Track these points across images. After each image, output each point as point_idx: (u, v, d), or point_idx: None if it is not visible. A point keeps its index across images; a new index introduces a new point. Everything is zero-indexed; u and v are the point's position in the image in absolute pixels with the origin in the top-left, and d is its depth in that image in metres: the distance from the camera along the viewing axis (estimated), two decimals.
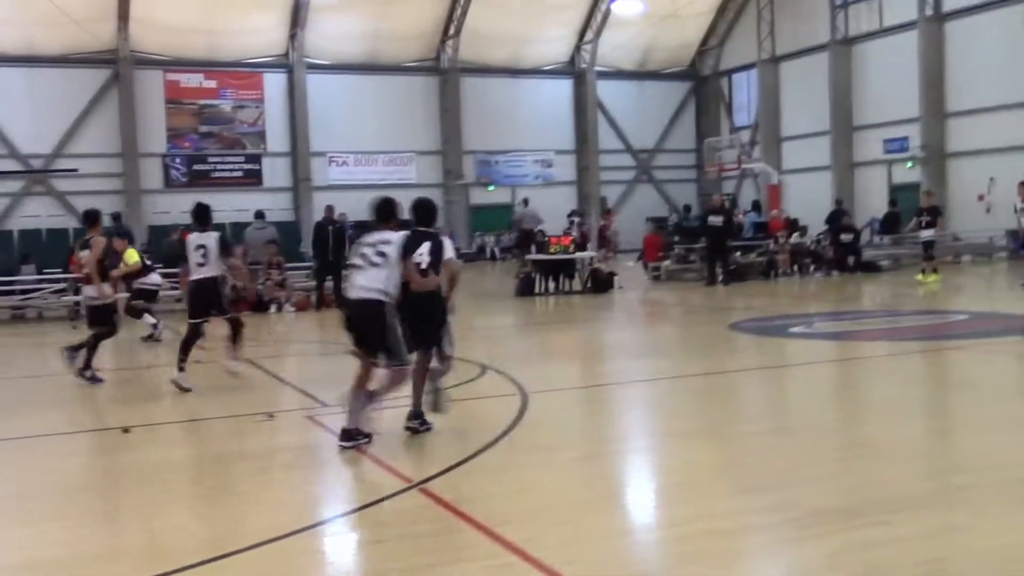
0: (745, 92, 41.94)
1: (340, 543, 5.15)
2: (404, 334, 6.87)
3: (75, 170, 33.77)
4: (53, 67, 33.83)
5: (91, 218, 10.99)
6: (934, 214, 20.28)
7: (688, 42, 41.79)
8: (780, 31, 38.94)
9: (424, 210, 7.58)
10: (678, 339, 14.04)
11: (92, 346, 10.58)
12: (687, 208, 32.30)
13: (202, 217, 10.16)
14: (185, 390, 9.61)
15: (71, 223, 33.52)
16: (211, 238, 9.96)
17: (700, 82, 43.57)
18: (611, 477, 6.31)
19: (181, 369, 9.76)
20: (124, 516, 5.66)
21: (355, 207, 33.39)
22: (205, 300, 9.96)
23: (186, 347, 9.91)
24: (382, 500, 5.58)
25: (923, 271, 20.28)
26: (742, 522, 4.99)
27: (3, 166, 33.32)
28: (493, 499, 5.55)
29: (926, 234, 20.18)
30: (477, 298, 21.59)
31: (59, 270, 20.97)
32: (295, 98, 36.78)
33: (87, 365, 10.48)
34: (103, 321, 10.76)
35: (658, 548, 4.85)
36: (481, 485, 5.92)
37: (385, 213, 7.46)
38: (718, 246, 22.00)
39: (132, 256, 14.74)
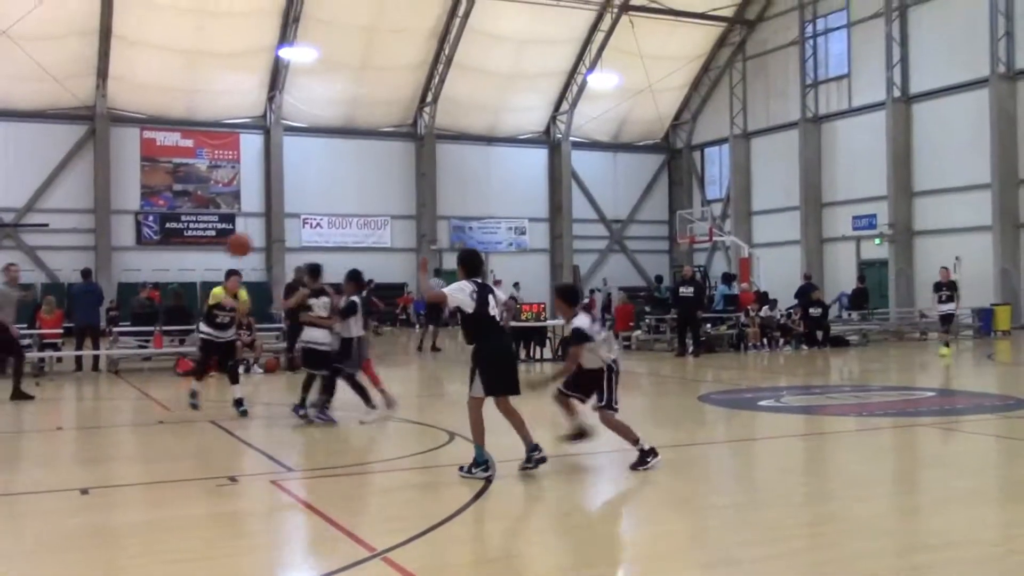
0: (717, 166, 42.64)
1: None
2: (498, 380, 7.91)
3: (46, 225, 33.63)
4: (30, 122, 33.87)
5: (315, 271, 12.32)
6: (952, 289, 20.86)
7: (662, 116, 42.52)
8: (752, 108, 39.76)
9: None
10: (647, 410, 13.99)
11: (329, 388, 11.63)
12: (659, 279, 32.53)
13: (361, 280, 11.86)
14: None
15: (40, 278, 33.28)
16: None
17: (673, 155, 44.27)
18: (579, 549, 6.23)
19: (374, 406, 11.36)
20: None
21: (328, 270, 33.39)
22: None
23: (363, 389, 11.48)
24: (344, 569, 5.47)
25: (946, 344, 20.74)
26: None
27: None
28: (458, 570, 5.46)
29: (945, 308, 20.77)
30: (445, 364, 21.49)
31: (24, 325, 20.63)
32: (271, 159, 36.96)
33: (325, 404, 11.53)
34: (324, 363, 11.57)
35: None
36: (446, 555, 5.82)
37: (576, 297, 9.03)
38: (690, 317, 22.09)
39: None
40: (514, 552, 5.87)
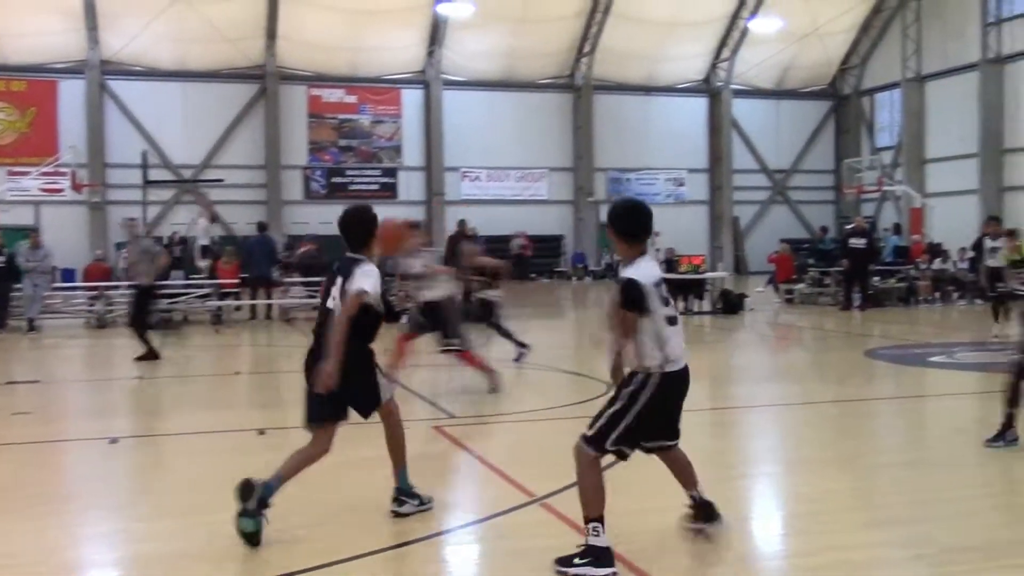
0: (888, 112, 40.69)
1: (462, 553, 5.21)
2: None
3: (221, 180, 35.25)
4: (205, 82, 35.46)
5: None
6: None
7: (829, 60, 40.85)
8: (927, 49, 37.64)
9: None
10: (811, 364, 13.70)
11: None
12: (824, 230, 31.52)
13: None
14: None
15: (217, 231, 34.98)
16: None
17: (840, 101, 42.50)
18: (740, 502, 6.19)
19: None
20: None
21: (487, 222, 33.92)
22: None
23: None
24: (504, 513, 5.62)
25: None
26: (873, 555, 4.84)
27: (156, 175, 35.02)
28: (612, 518, 5.50)
29: None
30: (597, 316, 21.53)
31: (204, 276, 21.84)
32: (431, 113, 37.53)
33: None
34: None
35: None
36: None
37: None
38: (860, 270, 21.33)
39: None
40: (669, 504, 5.87)
